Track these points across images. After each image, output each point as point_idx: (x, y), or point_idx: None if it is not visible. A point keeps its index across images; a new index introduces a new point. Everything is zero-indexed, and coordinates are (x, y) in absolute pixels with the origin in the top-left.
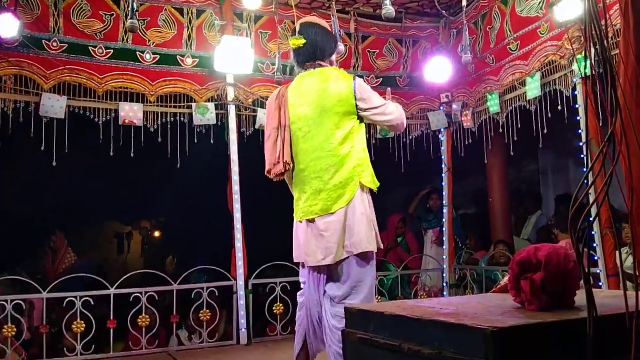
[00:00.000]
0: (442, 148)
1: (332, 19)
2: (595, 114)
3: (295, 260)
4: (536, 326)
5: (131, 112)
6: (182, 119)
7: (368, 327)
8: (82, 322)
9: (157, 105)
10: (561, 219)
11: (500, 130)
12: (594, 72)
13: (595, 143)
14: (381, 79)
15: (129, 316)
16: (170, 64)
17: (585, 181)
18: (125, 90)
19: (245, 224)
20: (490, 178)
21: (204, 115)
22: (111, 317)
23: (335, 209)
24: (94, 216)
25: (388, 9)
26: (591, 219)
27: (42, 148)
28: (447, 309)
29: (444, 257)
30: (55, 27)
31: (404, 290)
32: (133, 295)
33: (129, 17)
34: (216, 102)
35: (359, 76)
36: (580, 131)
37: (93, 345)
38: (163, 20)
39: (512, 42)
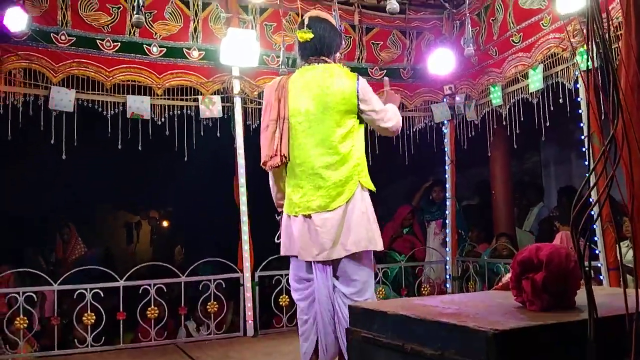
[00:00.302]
0: (446, 140)
1: (334, 13)
2: (597, 108)
3: (283, 254)
4: (537, 328)
5: (139, 105)
6: (189, 112)
7: (372, 327)
8: (93, 314)
9: (165, 99)
10: (563, 212)
11: (503, 122)
12: (595, 67)
13: (597, 137)
14: (385, 70)
15: (138, 308)
16: (177, 57)
17: (587, 185)
18: (133, 83)
19: (252, 216)
20: (493, 170)
21: (210, 108)
22: (121, 309)
23: (333, 206)
24: (104, 206)
25: (392, 5)
26: (594, 216)
27: (52, 141)
28: (450, 309)
29: (447, 249)
30: (64, 20)
31: (407, 281)
32: (142, 288)
33: (134, 12)
34: (222, 95)
35: (362, 68)
36: (582, 124)
37: (103, 337)
38: (169, 13)
39: (515, 35)
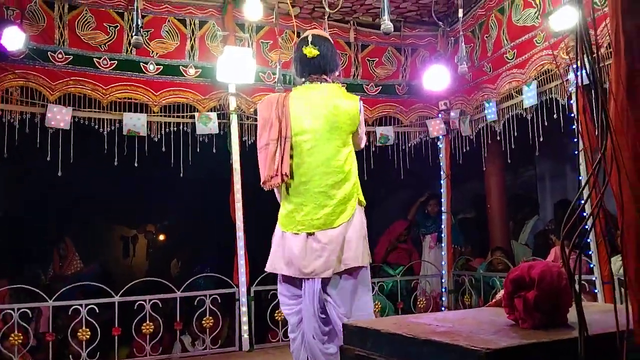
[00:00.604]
0: (441, 155)
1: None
2: (590, 124)
3: (276, 272)
4: (528, 347)
5: (135, 123)
6: (185, 128)
7: (365, 345)
8: (88, 329)
9: (161, 116)
10: (559, 225)
11: (498, 137)
12: (583, 85)
13: (591, 152)
14: (380, 87)
15: (134, 323)
16: (174, 75)
17: (580, 201)
18: (130, 100)
19: (247, 231)
20: (488, 184)
21: (207, 125)
22: (116, 325)
23: (338, 223)
24: (100, 221)
25: (387, 25)
26: (586, 230)
27: (48, 158)
28: (443, 327)
29: (443, 263)
30: (61, 39)
31: (402, 294)
32: (137, 303)
33: (133, 33)
34: (218, 112)
35: (358, 84)
36: (575, 140)
37: (98, 353)
38: (166, 31)
39: (509, 51)
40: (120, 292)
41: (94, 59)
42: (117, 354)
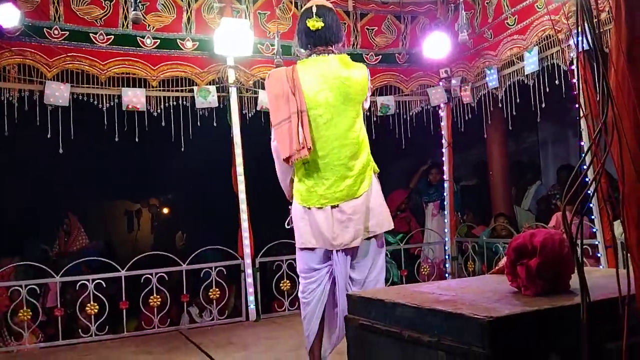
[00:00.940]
0: (442, 123)
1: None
2: (591, 90)
3: (306, 246)
4: (531, 314)
5: (134, 98)
6: (184, 102)
7: (369, 314)
8: (96, 304)
9: (160, 90)
10: (563, 190)
11: (500, 104)
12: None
13: (593, 118)
14: (380, 56)
15: (141, 296)
16: (171, 48)
17: (582, 167)
18: (128, 75)
19: (251, 203)
20: (490, 151)
21: (206, 98)
22: (123, 299)
23: (360, 193)
24: (104, 196)
25: None
26: (588, 195)
27: (49, 136)
28: (446, 295)
29: (446, 230)
30: (56, 15)
31: (405, 263)
32: (144, 277)
33: (132, 9)
34: (217, 85)
35: (357, 54)
36: (577, 105)
37: (107, 326)
38: (162, 4)
39: (509, 17)
40: (127, 267)
41: (90, 34)
42: (126, 327)
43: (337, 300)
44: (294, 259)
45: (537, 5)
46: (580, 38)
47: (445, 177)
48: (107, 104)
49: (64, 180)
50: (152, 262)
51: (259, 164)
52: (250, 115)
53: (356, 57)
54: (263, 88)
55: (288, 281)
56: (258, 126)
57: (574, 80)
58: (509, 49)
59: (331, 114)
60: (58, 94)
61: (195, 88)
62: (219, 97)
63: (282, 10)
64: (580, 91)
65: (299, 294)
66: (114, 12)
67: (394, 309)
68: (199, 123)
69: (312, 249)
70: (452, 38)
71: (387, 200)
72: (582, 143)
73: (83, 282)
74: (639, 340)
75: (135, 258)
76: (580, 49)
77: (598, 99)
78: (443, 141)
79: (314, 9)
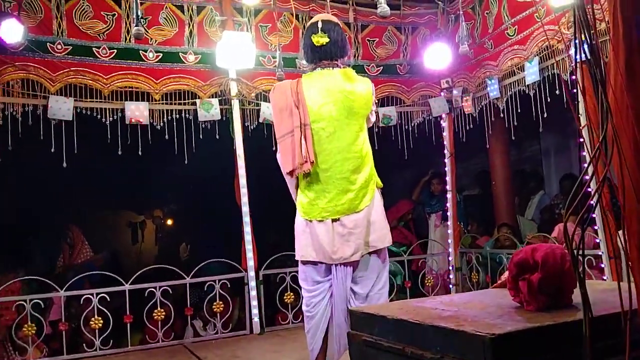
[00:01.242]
0: (444, 134)
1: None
2: (592, 100)
3: (307, 259)
4: (533, 330)
5: (137, 111)
6: (187, 115)
7: (372, 330)
8: (100, 318)
9: (163, 103)
10: (567, 199)
11: (501, 114)
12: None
13: (594, 129)
14: (382, 67)
15: (145, 310)
16: (173, 62)
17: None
18: (131, 89)
19: (253, 215)
20: (493, 161)
21: (209, 111)
22: (127, 312)
23: (361, 207)
24: (107, 208)
25: (383, 8)
26: (591, 207)
27: (52, 150)
28: (449, 311)
29: (450, 241)
30: (59, 29)
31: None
32: (148, 290)
33: (134, 25)
34: (220, 98)
35: (359, 65)
36: (579, 114)
37: (111, 340)
38: (164, 18)
39: (509, 27)
40: (131, 280)
41: (93, 49)
42: (130, 340)
43: (333, 314)
44: (298, 271)
45: (536, 16)
46: (579, 49)
47: (448, 187)
48: (111, 118)
49: (68, 194)
50: (156, 274)
51: (262, 176)
52: (252, 127)
53: (357, 69)
54: (265, 100)
55: (292, 294)
56: (260, 138)
57: (574, 91)
58: (509, 59)
59: (334, 127)
60: (61, 108)
61: (197, 101)
62: (221, 109)
63: (284, 23)
64: (580, 102)
65: (303, 307)
66: (116, 27)
67: (396, 325)
68: (201, 135)
69: (315, 263)
70: (453, 48)
71: (392, 210)
72: (584, 153)
73: (87, 296)
74: None
75: (140, 272)
76: (578, 59)
77: (598, 109)
78: (445, 151)
79: (320, 24)
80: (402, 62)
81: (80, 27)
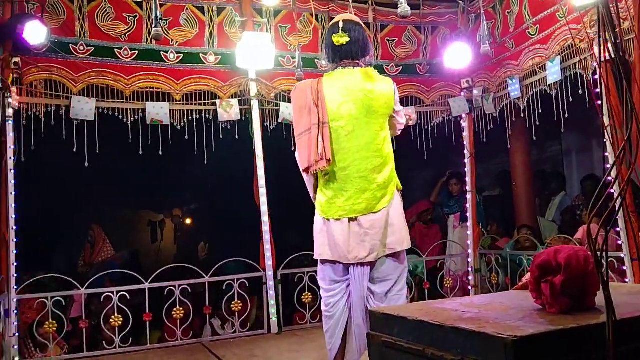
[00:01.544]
0: (465, 134)
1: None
2: (615, 101)
3: (323, 258)
4: (556, 333)
5: (158, 112)
6: (207, 115)
7: (392, 331)
8: (120, 316)
9: (183, 104)
10: (588, 200)
11: (522, 115)
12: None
13: (618, 129)
14: (401, 67)
15: (164, 308)
16: (194, 63)
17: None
18: (152, 90)
19: (272, 216)
20: (514, 161)
21: (228, 111)
22: (147, 310)
23: (379, 208)
24: (128, 207)
25: (404, 9)
26: (615, 209)
27: (74, 150)
28: (470, 313)
29: (469, 242)
30: (81, 31)
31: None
32: (167, 289)
33: (153, 26)
34: (240, 98)
35: (379, 65)
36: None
37: (130, 338)
38: (185, 19)
39: (531, 27)
40: (150, 279)
41: (115, 50)
42: (149, 338)
43: (352, 314)
44: (316, 271)
45: (558, 15)
46: (602, 48)
47: (468, 188)
48: (132, 118)
49: (88, 193)
50: (175, 273)
51: (281, 176)
52: (272, 127)
53: (377, 69)
54: (284, 100)
55: (310, 293)
56: (280, 138)
57: (597, 90)
58: (531, 59)
59: (353, 126)
60: (84, 108)
61: (217, 101)
62: (241, 110)
63: (303, 23)
64: (604, 102)
65: (322, 307)
66: (137, 28)
67: (417, 327)
68: (221, 135)
69: (333, 262)
70: (473, 48)
71: (411, 210)
72: (607, 154)
73: (107, 294)
74: None
75: (159, 270)
76: (602, 59)
77: (622, 109)
78: (465, 152)
79: (341, 24)
80: (422, 62)
81: (102, 29)
